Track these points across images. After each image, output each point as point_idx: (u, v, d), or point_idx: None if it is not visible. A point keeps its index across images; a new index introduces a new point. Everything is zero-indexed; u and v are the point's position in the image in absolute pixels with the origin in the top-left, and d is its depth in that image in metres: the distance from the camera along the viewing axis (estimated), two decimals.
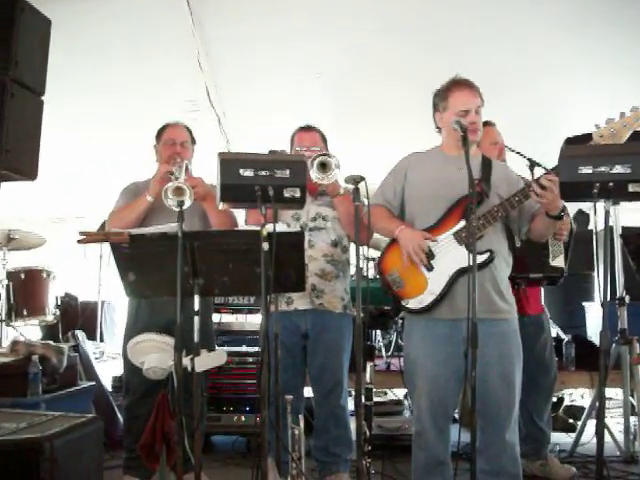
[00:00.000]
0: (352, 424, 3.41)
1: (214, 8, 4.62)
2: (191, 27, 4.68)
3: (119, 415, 4.27)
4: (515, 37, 4.70)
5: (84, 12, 4.44)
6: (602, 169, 2.31)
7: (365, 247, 3.04)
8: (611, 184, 2.30)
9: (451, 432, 2.89)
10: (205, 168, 3.36)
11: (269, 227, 2.40)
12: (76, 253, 6.12)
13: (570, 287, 5.48)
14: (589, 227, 5.77)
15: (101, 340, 5.99)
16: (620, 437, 3.99)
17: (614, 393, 4.95)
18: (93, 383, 4.27)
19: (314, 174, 2.86)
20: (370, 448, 2.71)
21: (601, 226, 2.41)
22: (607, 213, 2.36)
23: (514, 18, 4.55)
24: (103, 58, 4.90)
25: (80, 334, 4.80)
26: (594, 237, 5.40)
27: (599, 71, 4.94)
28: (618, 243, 4.25)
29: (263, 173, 2.43)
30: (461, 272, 2.73)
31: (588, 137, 2.74)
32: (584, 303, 5.11)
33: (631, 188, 2.29)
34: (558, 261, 3.47)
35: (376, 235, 3.15)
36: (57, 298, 5.48)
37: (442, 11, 4.55)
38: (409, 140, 3.48)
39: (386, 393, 4.99)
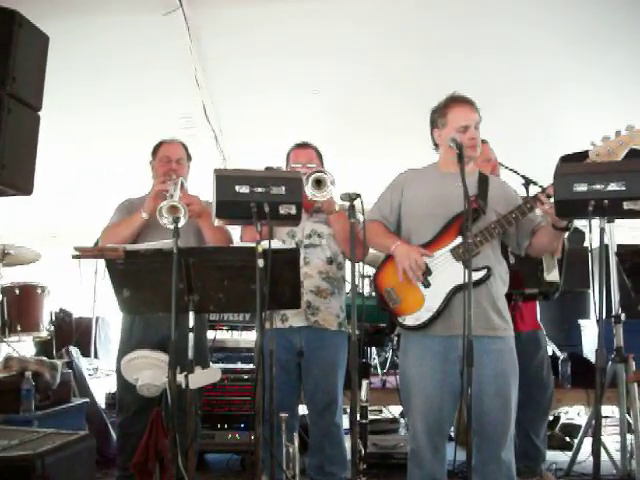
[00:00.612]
0: (347, 442, 3.40)
1: (212, 24, 4.64)
2: (188, 43, 4.70)
3: (112, 432, 4.24)
4: (516, 52, 4.71)
5: (81, 27, 4.47)
6: (597, 187, 2.32)
7: (361, 264, 3.04)
8: (606, 202, 2.30)
9: (447, 450, 2.87)
10: (202, 184, 3.37)
11: (264, 244, 2.40)
12: (71, 269, 6.09)
13: (566, 305, 5.49)
14: (584, 244, 5.79)
15: (95, 356, 5.96)
16: (617, 455, 3.97)
17: (610, 411, 4.93)
18: (86, 400, 4.24)
19: (309, 191, 2.86)
20: (365, 466, 2.68)
21: (596, 244, 2.41)
22: (602, 230, 2.37)
23: (515, 33, 4.58)
24: (100, 73, 4.91)
25: (74, 350, 4.77)
26: (589, 255, 5.45)
27: (596, 87, 4.97)
28: (613, 261, 4.25)
29: (259, 190, 2.44)
30: (458, 288, 2.72)
31: (583, 155, 2.76)
32: (580, 321, 5.11)
33: (626, 206, 2.30)
34: (553, 276, 3.48)
35: (373, 252, 3.14)
36: (51, 314, 5.44)
37: (441, 27, 4.58)
38: (406, 156, 3.49)
39: (381, 411, 4.96)
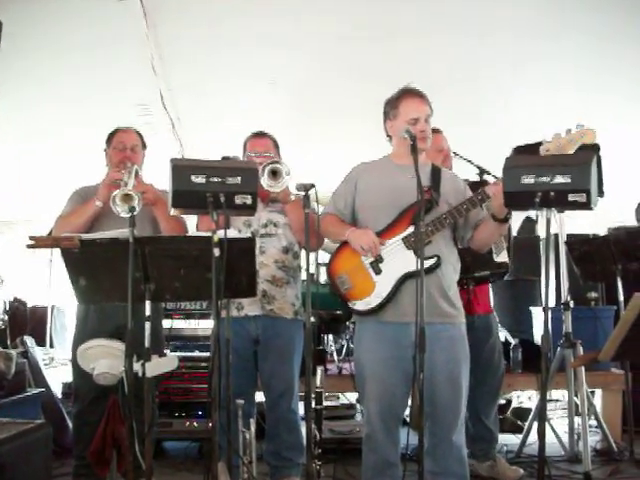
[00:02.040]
0: (303, 428, 3.46)
1: (169, 11, 4.60)
2: (145, 29, 4.65)
3: (69, 422, 4.21)
4: (471, 39, 4.76)
5: (34, 11, 4.38)
6: (544, 179, 2.39)
7: (318, 253, 3.08)
8: (552, 194, 2.38)
9: (401, 435, 2.94)
10: (159, 173, 3.36)
11: (220, 233, 2.42)
12: (25, 257, 6.01)
13: (518, 292, 5.63)
14: (536, 234, 5.94)
15: (51, 346, 5.90)
16: (565, 437, 4.11)
17: (560, 395, 5.09)
18: (42, 390, 4.20)
19: (265, 182, 2.89)
20: (320, 451, 2.73)
21: (552, 232, 2.50)
22: (548, 221, 2.45)
23: (470, 20, 4.62)
24: (53, 59, 4.83)
25: (29, 340, 4.71)
26: (540, 243, 5.58)
27: (556, 84, 5.07)
28: (563, 249, 4.37)
29: (215, 180, 2.45)
30: (408, 276, 2.79)
31: (535, 146, 2.83)
32: (531, 308, 5.24)
33: (571, 198, 2.38)
34: (502, 256, 3.56)
35: (329, 241, 3.19)
36: (5, 303, 5.38)
37: (394, 12, 4.60)
38: (363, 146, 3.53)
39: (339, 397, 5.03)
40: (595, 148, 3.13)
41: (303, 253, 3.39)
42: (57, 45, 4.72)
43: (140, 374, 2.50)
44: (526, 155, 2.74)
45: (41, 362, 4.69)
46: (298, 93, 5.28)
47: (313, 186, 2.53)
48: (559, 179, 2.37)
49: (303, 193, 2.56)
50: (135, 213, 2.59)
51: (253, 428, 2.84)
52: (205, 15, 4.61)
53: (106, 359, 2.69)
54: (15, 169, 5.76)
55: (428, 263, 2.76)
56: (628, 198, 5.50)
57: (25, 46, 4.42)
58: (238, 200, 2.46)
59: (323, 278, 4.27)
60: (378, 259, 2.86)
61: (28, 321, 5.82)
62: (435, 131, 3.43)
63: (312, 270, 2.67)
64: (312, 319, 2.49)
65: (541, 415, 2.44)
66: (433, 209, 2.86)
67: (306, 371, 2.40)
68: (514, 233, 5.33)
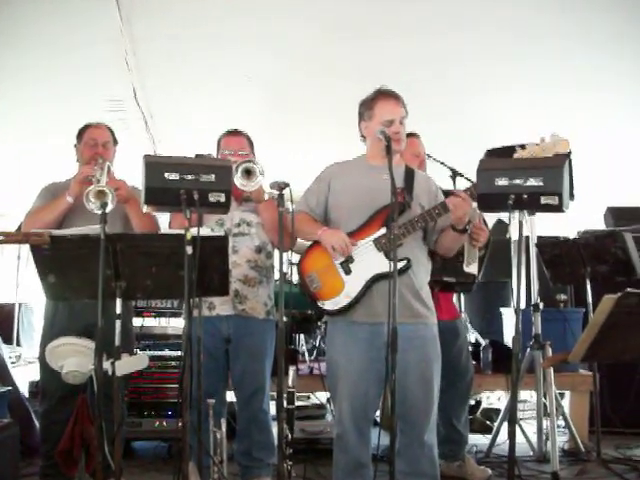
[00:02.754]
0: (274, 428, 3.44)
1: (144, 6, 4.56)
2: (119, 25, 4.60)
3: (36, 421, 4.15)
4: (445, 35, 4.77)
5: (4, 3, 4.31)
6: (517, 182, 2.42)
7: (290, 252, 3.08)
8: (525, 196, 2.41)
9: (372, 435, 2.95)
10: (131, 169, 3.32)
11: (193, 231, 2.41)
12: None
13: (489, 294, 5.67)
14: (507, 236, 5.98)
15: (18, 344, 5.81)
16: (534, 438, 4.15)
17: (529, 395, 5.13)
18: (9, 388, 4.13)
19: (238, 181, 2.86)
20: (292, 451, 2.73)
21: (517, 235, 2.52)
22: (521, 223, 2.47)
23: (447, 19, 4.64)
24: (25, 52, 4.76)
25: None
26: (511, 246, 5.64)
27: (533, 84, 5.12)
28: (533, 252, 4.41)
29: (188, 177, 2.44)
30: (378, 277, 2.80)
31: (508, 149, 2.85)
32: (502, 309, 5.28)
33: (543, 200, 2.41)
34: (472, 268, 3.57)
35: (301, 241, 3.18)
36: None
37: (377, 11, 4.60)
38: (338, 145, 3.53)
39: (309, 397, 5.02)
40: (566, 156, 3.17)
41: (276, 253, 3.38)
42: (28, 37, 4.65)
43: (110, 373, 2.47)
44: (499, 158, 2.76)
45: (8, 360, 4.62)
46: (273, 91, 5.27)
47: (287, 185, 2.52)
48: (532, 182, 2.40)
49: (277, 192, 2.54)
50: (108, 210, 2.57)
51: (224, 428, 2.82)
52: (181, 12, 4.58)
53: (75, 357, 2.66)
54: None
55: (399, 265, 2.76)
56: (597, 202, 5.57)
57: None
58: (212, 198, 2.44)
59: (295, 278, 4.27)
60: (348, 259, 2.86)
61: None
62: (412, 135, 3.44)
63: (285, 270, 2.66)
64: (285, 318, 2.48)
65: (512, 415, 2.46)
66: (406, 211, 2.87)
67: (278, 371, 2.39)
68: None
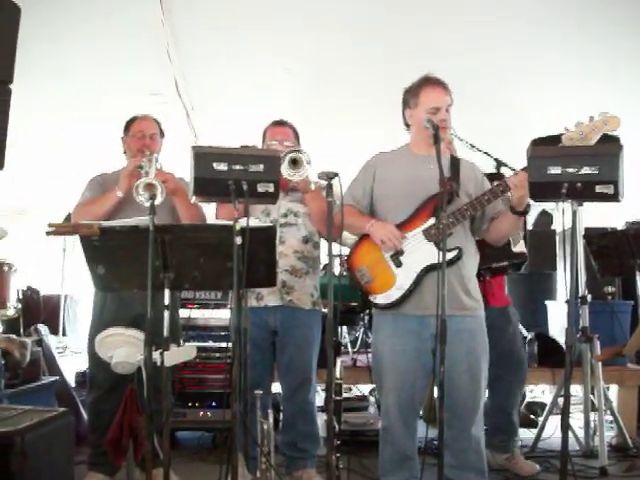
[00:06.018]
0: (319, 419, 3.44)
1: None
2: (160, 15, 4.60)
3: (82, 411, 4.22)
4: (484, 36, 4.70)
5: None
6: (570, 170, 2.35)
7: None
8: (579, 185, 2.34)
9: (418, 427, 2.93)
10: (173, 161, 3.33)
11: (242, 222, 2.40)
12: (38, 246, 6.01)
13: (532, 286, 5.60)
14: (552, 227, 5.89)
15: (64, 335, 5.91)
16: (580, 432, 4.08)
17: (574, 390, 5.05)
18: (56, 378, 4.21)
19: (285, 170, 2.85)
20: (339, 443, 2.71)
21: (567, 226, 2.46)
22: (574, 213, 2.41)
23: (496, 7, 4.56)
24: (68, 46, 4.80)
25: (43, 328, 4.72)
26: (556, 237, 5.55)
27: (571, 74, 5.01)
28: (581, 243, 4.33)
29: (237, 167, 2.42)
30: (429, 269, 2.77)
31: (554, 139, 2.79)
32: (546, 302, 5.20)
33: (598, 189, 2.34)
34: (520, 246, 3.54)
35: (345, 232, 3.15)
36: (19, 292, 5.37)
37: (414, 10, 4.55)
38: (382, 134, 3.48)
39: (351, 389, 5.01)
40: (615, 139, 3.09)
41: (322, 243, 3.37)
42: (71, 31, 4.67)
43: (158, 363, 2.48)
44: (549, 145, 2.69)
45: (55, 351, 4.70)
46: (315, 81, 5.22)
47: (336, 175, 2.49)
48: (586, 170, 2.33)
49: (325, 182, 2.52)
50: (157, 202, 2.57)
51: (271, 419, 2.82)
52: (222, 3, 4.56)
53: (124, 348, 2.68)
54: (30, 156, 5.73)
55: (450, 255, 2.74)
56: None
57: (38, 32, 4.36)
58: (260, 188, 2.43)
59: (337, 269, 4.26)
60: (399, 252, 2.83)
61: (41, 310, 5.82)
62: None
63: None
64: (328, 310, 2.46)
65: (565, 408, 2.40)
66: (454, 200, 2.83)
67: (328, 362, 2.38)
68: (529, 227, 5.29)
